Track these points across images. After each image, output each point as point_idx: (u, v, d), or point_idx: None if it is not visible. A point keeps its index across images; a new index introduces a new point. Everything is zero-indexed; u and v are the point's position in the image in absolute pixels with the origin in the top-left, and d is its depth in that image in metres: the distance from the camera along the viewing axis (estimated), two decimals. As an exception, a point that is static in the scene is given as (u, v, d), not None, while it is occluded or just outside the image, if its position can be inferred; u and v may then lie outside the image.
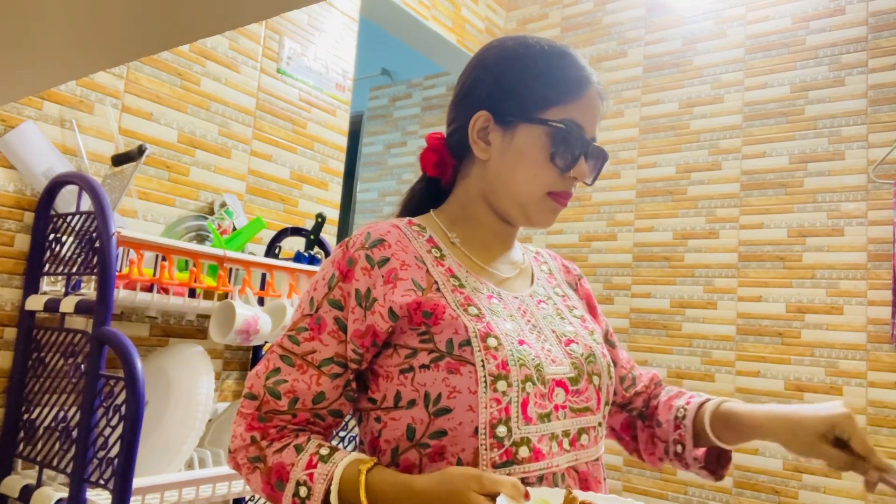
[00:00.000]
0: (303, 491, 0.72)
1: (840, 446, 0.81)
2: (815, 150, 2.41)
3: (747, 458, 2.38)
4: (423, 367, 0.75)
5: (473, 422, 0.72)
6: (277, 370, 0.78)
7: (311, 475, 0.72)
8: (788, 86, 2.49)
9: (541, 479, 0.74)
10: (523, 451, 0.73)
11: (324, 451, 0.74)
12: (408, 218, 0.88)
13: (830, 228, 2.35)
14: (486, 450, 0.72)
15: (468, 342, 0.74)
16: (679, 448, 0.92)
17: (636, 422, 1.00)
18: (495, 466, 0.72)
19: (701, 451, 0.94)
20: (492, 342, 0.74)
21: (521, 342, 0.78)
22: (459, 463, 0.73)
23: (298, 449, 0.74)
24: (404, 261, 0.79)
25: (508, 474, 0.72)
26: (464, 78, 0.89)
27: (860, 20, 2.39)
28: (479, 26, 3.01)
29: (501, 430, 0.73)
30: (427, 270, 0.80)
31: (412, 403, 0.75)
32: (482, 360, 0.73)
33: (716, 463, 0.94)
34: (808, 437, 0.82)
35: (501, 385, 0.73)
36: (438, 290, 0.78)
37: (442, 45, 2.82)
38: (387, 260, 0.78)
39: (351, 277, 0.78)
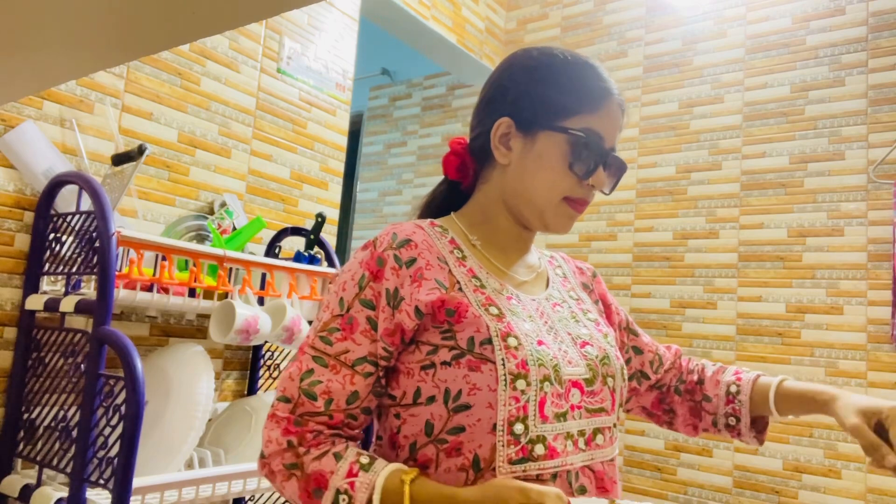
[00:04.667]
0: (343, 499, 0.71)
1: (881, 434, 0.85)
2: (815, 150, 2.41)
3: (747, 458, 2.38)
4: (444, 363, 0.77)
5: (492, 419, 0.74)
6: (311, 371, 0.77)
7: (352, 483, 0.72)
8: (788, 86, 2.49)
9: (555, 477, 0.76)
10: (539, 449, 0.75)
11: (364, 460, 0.74)
12: (429, 219, 0.90)
13: (830, 228, 2.35)
14: (503, 446, 0.74)
15: (489, 340, 0.76)
16: (732, 420, 1.00)
17: (672, 397, 1.06)
18: (511, 463, 0.74)
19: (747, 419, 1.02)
20: (512, 342, 0.77)
21: (540, 343, 0.80)
22: (476, 459, 0.75)
23: (337, 457, 0.74)
24: (429, 261, 0.81)
25: (524, 471, 0.74)
26: (488, 85, 0.92)
27: (860, 20, 2.39)
28: (479, 26, 3.01)
29: (519, 428, 0.74)
30: (449, 270, 0.82)
31: (431, 400, 0.77)
32: (503, 359, 0.75)
33: (754, 429, 1.02)
34: (852, 410, 0.87)
35: (520, 384, 0.75)
36: (461, 289, 0.81)
37: (442, 45, 2.82)
38: (414, 260, 0.80)
39: (381, 277, 0.79)
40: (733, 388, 1.00)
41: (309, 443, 0.75)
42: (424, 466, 0.77)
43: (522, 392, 0.75)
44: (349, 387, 0.77)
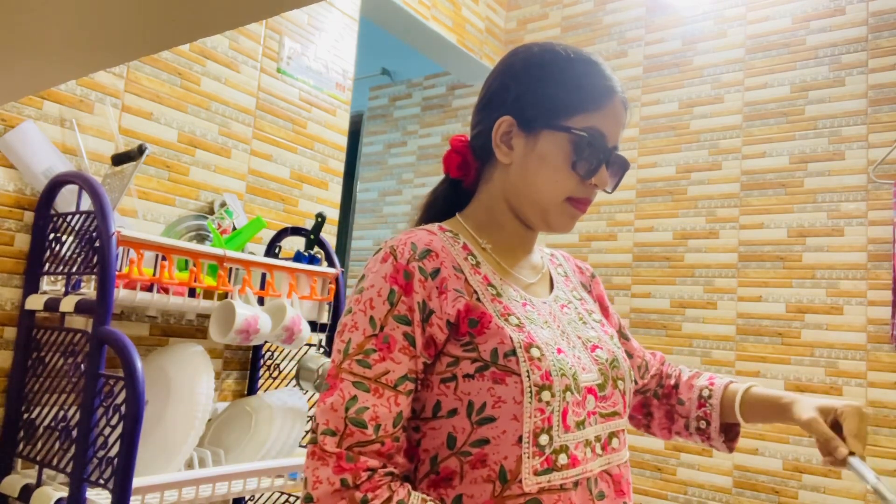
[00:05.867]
0: None
1: (837, 431, 0.88)
2: (815, 150, 2.41)
3: (747, 458, 2.38)
4: (466, 376, 0.76)
5: (517, 431, 0.74)
6: (355, 398, 0.73)
7: None
8: (788, 86, 2.49)
9: (576, 485, 0.75)
10: (562, 459, 0.75)
11: None
12: (438, 224, 0.88)
13: (830, 228, 2.35)
14: (528, 458, 0.74)
15: (513, 352, 0.75)
16: (703, 424, 1.02)
17: (651, 400, 1.08)
18: (536, 474, 0.74)
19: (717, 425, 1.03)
20: (535, 353, 0.76)
21: (559, 351, 0.79)
22: (502, 470, 0.74)
23: None
24: (449, 271, 0.80)
25: (549, 481, 0.74)
26: (489, 82, 0.90)
27: (860, 20, 2.39)
28: (479, 26, 3.01)
29: (544, 439, 0.74)
30: (465, 280, 0.80)
31: (453, 412, 0.75)
32: (527, 371, 0.74)
33: (725, 436, 1.03)
34: (809, 408, 0.90)
35: (546, 395, 0.75)
36: (479, 300, 0.79)
37: (442, 45, 2.82)
38: (437, 271, 0.79)
39: (411, 290, 0.77)
40: (706, 393, 1.02)
41: (365, 486, 0.70)
42: (448, 479, 0.75)
43: (547, 403, 0.75)
44: (394, 408, 0.73)
